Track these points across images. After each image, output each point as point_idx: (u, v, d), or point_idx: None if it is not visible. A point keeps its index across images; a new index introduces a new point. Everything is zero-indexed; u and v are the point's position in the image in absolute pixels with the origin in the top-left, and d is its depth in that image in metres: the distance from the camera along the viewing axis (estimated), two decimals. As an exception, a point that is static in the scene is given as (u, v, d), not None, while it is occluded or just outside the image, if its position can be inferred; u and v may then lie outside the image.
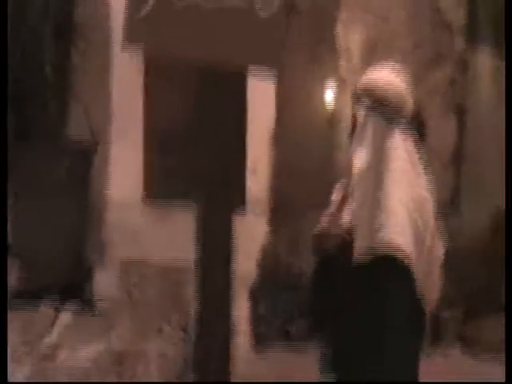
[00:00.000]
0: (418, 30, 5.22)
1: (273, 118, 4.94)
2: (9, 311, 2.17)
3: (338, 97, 4.97)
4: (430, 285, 2.21)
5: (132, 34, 2.35)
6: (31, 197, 2.31)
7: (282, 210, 4.88)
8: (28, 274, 2.34)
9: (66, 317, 2.20)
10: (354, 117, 2.44)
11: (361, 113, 2.43)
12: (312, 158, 5.23)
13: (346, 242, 2.16)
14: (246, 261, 4.73)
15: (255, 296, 4.63)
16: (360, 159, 2.34)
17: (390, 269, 2.11)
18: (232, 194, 2.82)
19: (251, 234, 4.91)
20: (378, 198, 2.20)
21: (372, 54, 5.08)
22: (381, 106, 2.41)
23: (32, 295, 2.24)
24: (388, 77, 2.51)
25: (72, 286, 2.39)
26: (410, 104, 2.34)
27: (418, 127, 2.46)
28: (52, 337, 2.13)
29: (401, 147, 2.26)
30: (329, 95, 4.95)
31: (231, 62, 2.35)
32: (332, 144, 4.96)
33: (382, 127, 2.30)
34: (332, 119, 4.93)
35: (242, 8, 2.34)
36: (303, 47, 5.08)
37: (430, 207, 2.23)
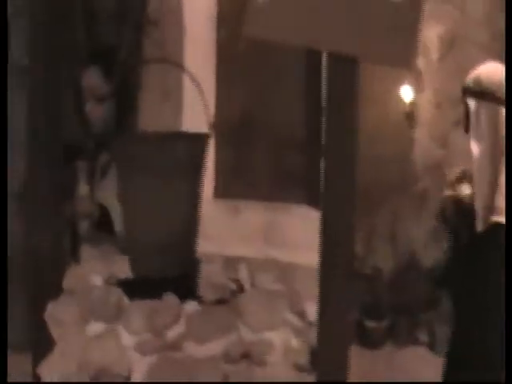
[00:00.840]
0: (495, 21, 5.10)
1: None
2: (130, 300, 2.07)
3: (416, 91, 4.84)
4: None
5: (252, 22, 2.25)
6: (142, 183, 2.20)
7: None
8: (141, 263, 2.23)
9: (192, 306, 2.09)
10: (466, 108, 2.77)
11: (472, 104, 2.69)
12: (388, 152, 5.13)
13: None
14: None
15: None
16: (477, 146, 2.64)
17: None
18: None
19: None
20: (495, 182, 2.58)
21: (449, 48, 4.97)
22: (489, 96, 2.71)
23: (151, 285, 2.13)
24: (494, 68, 2.78)
25: (187, 276, 2.28)
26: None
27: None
28: (178, 326, 2.02)
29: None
30: (406, 90, 4.82)
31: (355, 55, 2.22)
32: (410, 140, 4.84)
33: (494, 116, 2.56)
34: (410, 114, 4.81)
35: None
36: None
37: None
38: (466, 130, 2.83)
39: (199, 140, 2.25)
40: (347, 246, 2.34)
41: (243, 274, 2.44)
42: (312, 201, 4.95)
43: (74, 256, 2.73)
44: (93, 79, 3.67)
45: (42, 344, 2.29)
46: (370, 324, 4.30)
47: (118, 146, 2.24)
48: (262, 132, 5.07)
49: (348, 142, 2.37)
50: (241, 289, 2.44)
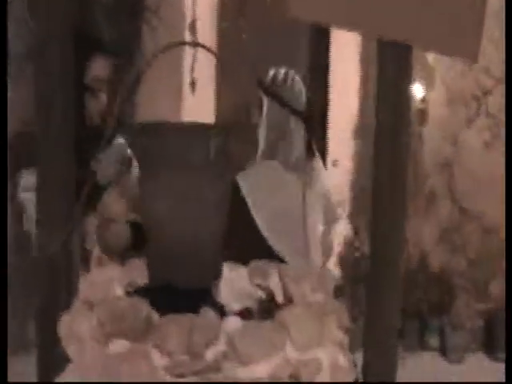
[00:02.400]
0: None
1: (356, 107, 4.59)
2: (160, 314, 1.78)
3: (427, 88, 4.60)
4: None
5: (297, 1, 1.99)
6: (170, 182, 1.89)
7: (365, 207, 4.54)
8: (168, 271, 1.92)
9: (232, 321, 1.80)
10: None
11: None
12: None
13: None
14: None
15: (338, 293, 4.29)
16: None
17: None
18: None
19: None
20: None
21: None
22: None
23: (183, 297, 1.84)
24: None
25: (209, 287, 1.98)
26: None
27: None
28: (218, 344, 1.73)
29: None
30: (417, 86, 4.57)
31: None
32: (419, 137, 4.61)
33: None
34: (420, 111, 4.58)
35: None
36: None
37: None
38: None
39: (239, 133, 1.95)
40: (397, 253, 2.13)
41: (274, 280, 2.15)
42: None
43: (87, 261, 2.45)
44: (100, 69, 3.37)
45: (53, 361, 1.99)
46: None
47: (139, 139, 1.92)
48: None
49: (400, 131, 2.13)
50: (271, 298, 2.15)
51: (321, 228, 2.96)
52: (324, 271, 2.43)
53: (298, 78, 2.84)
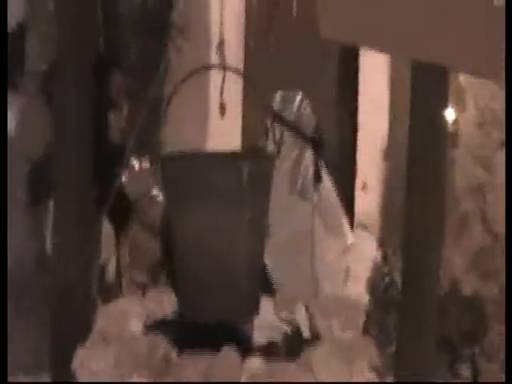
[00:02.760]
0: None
1: (386, 129, 4.48)
2: (179, 352, 1.67)
3: (458, 109, 4.48)
4: None
5: (328, 23, 1.89)
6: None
7: (394, 231, 4.41)
8: (193, 307, 1.81)
9: (255, 361, 1.68)
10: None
11: None
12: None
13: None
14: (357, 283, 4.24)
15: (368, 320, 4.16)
16: None
17: None
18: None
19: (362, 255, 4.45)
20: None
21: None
22: None
23: (205, 335, 1.72)
24: None
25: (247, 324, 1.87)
26: None
27: None
28: (240, 386, 1.62)
29: None
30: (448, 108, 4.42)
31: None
32: (451, 161, 4.49)
33: None
34: (452, 134, 4.45)
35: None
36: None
37: None
38: None
39: (265, 160, 1.84)
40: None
41: (300, 313, 2.04)
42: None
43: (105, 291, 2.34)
44: (123, 84, 3.29)
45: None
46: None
47: (167, 166, 1.82)
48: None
49: (432, 154, 2.03)
50: (298, 333, 2.04)
51: (333, 253, 2.87)
52: (354, 304, 2.32)
53: (306, 101, 2.77)
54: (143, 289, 2.15)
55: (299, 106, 2.69)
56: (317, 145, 2.67)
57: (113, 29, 4.52)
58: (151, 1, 4.70)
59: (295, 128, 2.62)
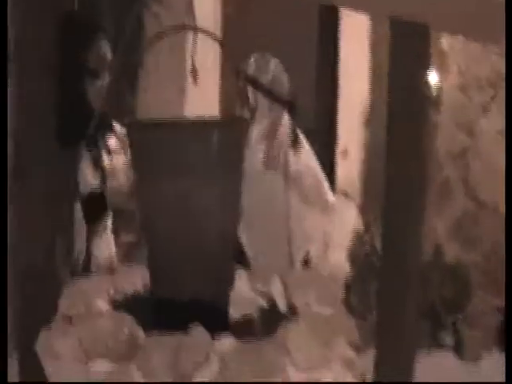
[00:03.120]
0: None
1: (366, 95, 4.37)
2: (146, 334, 1.58)
3: (440, 74, 4.38)
4: None
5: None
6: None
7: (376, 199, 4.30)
8: (162, 284, 1.71)
9: (226, 342, 1.59)
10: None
11: None
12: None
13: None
14: (338, 251, 4.16)
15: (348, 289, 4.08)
16: None
17: None
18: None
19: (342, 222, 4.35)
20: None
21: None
22: None
23: (173, 313, 1.62)
24: None
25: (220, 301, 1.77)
26: None
27: None
28: (211, 367, 1.52)
29: None
30: (430, 72, 4.32)
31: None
32: (432, 126, 4.39)
33: None
34: (434, 99, 4.36)
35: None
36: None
37: None
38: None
39: (238, 127, 1.73)
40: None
41: (276, 287, 1.95)
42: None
43: (74, 269, 2.23)
44: (99, 53, 3.14)
45: (30, 380, 1.78)
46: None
47: (136, 135, 1.70)
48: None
49: (413, 119, 1.94)
50: (273, 306, 1.95)
51: (309, 220, 2.78)
52: (332, 277, 2.23)
53: (280, 65, 2.67)
54: (112, 265, 2.05)
55: (274, 70, 2.58)
56: (292, 108, 2.55)
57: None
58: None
59: (270, 92, 2.51)
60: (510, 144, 2.20)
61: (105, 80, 3.23)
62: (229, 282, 1.82)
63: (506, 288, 2.22)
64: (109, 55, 3.36)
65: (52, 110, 1.94)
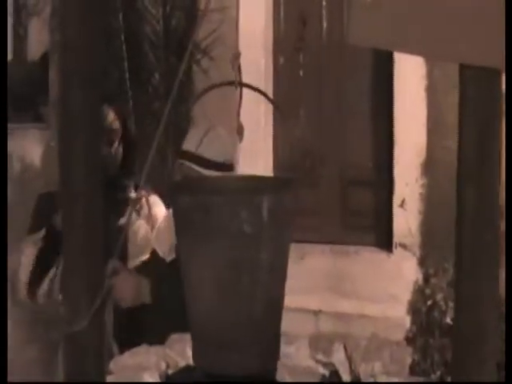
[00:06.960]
0: None
1: (423, 142, 4.13)
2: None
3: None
4: None
5: (357, 27, 1.62)
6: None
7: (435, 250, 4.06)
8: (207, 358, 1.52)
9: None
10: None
11: None
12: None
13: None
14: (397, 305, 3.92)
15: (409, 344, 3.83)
16: None
17: None
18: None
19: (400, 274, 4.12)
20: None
21: None
22: None
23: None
24: None
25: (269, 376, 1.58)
26: None
27: None
28: None
29: None
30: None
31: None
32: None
33: None
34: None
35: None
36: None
37: None
38: None
39: (287, 187, 1.54)
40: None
41: (339, 355, 1.75)
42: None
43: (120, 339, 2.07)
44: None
45: None
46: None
47: (177, 197, 1.53)
48: (327, 171, 4.38)
49: (486, 170, 1.70)
50: (336, 376, 1.75)
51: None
52: (400, 346, 2.01)
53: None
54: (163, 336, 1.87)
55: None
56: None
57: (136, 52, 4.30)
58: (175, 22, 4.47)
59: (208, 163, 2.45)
60: (509, 148, 1.99)
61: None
62: (276, 354, 1.62)
63: (506, 287, 1.99)
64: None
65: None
